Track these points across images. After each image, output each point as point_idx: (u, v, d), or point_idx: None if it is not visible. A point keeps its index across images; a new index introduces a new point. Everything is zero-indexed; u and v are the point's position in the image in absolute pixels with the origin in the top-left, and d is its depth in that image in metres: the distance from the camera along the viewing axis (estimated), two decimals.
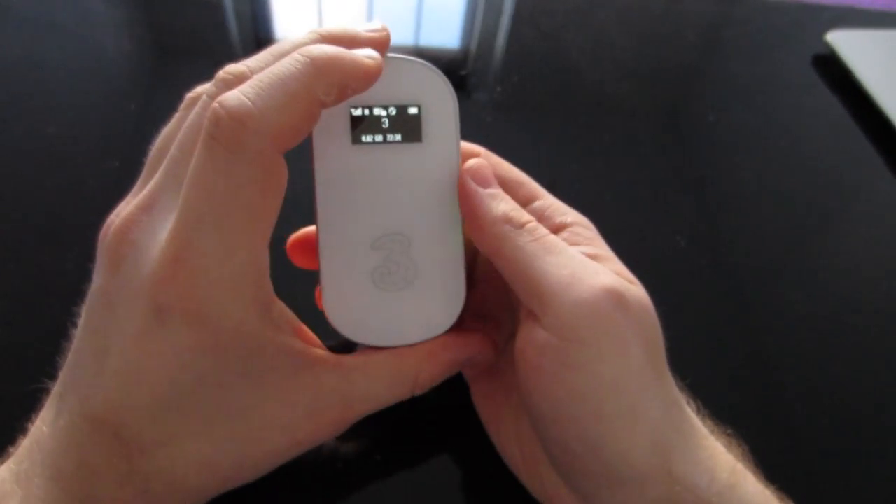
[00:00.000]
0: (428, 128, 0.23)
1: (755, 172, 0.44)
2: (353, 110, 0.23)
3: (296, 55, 0.20)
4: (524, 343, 0.22)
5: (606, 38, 0.54)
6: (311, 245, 0.25)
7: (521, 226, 0.23)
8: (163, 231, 0.19)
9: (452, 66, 0.49)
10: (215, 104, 0.18)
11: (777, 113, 0.49)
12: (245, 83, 0.19)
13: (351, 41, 0.22)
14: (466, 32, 0.54)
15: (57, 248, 0.33)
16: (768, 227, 0.40)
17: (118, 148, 0.38)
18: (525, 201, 0.25)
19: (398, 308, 0.24)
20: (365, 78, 0.21)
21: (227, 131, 0.18)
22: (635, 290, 0.22)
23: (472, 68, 0.49)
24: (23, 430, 0.21)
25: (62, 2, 0.49)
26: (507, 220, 0.23)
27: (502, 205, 0.23)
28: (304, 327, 0.24)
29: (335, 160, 0.23)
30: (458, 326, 0.25)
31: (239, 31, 0.49)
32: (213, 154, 0.18)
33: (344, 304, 0.24)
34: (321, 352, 0.23)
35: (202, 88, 0.22)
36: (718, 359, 0.33)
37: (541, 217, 0.25)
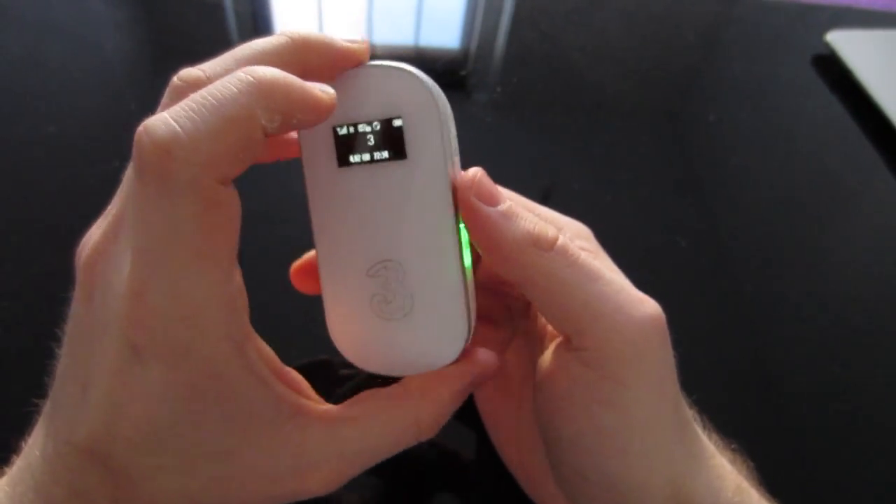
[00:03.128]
0: (412, 142, 0.21)
1: (755, 172, 0.44)
2: (337, 129, 0.21)
3: (240, 74, 0.17)
4: (555, 369, 0.21)
5: (606, 38, 0.54)
6: (313, 271, 0.23)
7: (551, 247, 0.20)
8: (125, 263, 0.18)
9: (452, 66, 0.49)
10: (140, 130, 0.17)
11: (777, 113, 0.49)
12: (178, 104, 0.17)
13: (325, 50, 0.20)
14: (466, 32, 0.54)
15: (57, 248, 0.33)
16: (768, 227, 0.40)
17: (118, 148, 0.38)
18: None
19: (400, 337, 0.22)
20: (314, 110, 0.18)
21: (154, 162, 0.16)
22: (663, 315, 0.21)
23: (472, 68, 0.49)
24: (17, 449, 0.21)
25: (62, 2, 0.49)
26: (533, 243, 0.20)
27: (522, 224, 0.20)
28: (290, 371, 0.22)
29: (324, 184, 0.21)
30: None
31: (239, 31, 0.49)
32: (145, 186, 0.17)
33: (348, 331, 0.22)
34: (307, 402, 0.21)
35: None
36: (718, 359, 0.33)
37: None
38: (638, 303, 0.20)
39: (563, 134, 0.44)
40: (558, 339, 0.22)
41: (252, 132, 0.17)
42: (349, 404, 0.22)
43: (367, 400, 0.22)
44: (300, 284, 0.26)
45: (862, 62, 0.50)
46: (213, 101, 0.17)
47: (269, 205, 0.35)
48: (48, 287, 0.31)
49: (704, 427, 0.23)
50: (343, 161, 0.21)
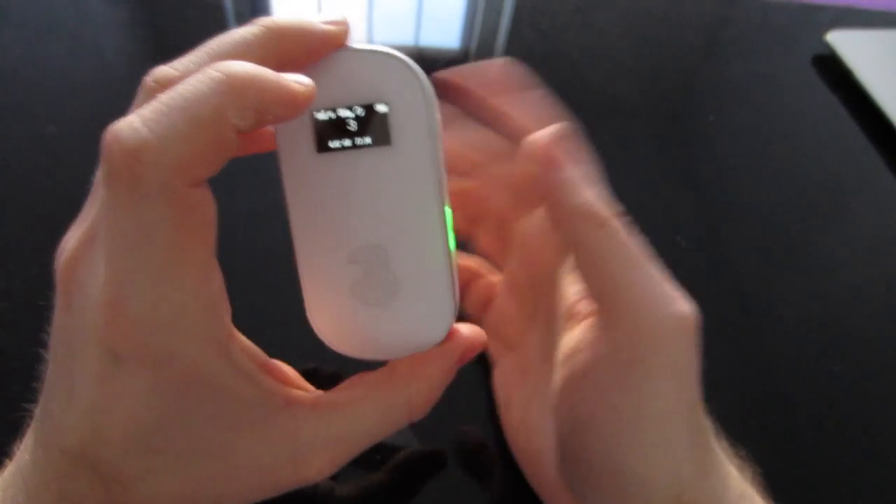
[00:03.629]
0: (397, 127, 0.20)
1: (755, 172, 0.44)
2: (316, 114, 0.20)
3: (209, 71, 0.17)
4: (582, 346, 0.21)
5: (606, 38, 0.54)
6: None
7: (604, 223, 0.21)
8: (102, 270, 0.18)
9: (452, 67, 0.49)
10: (107, 135, 0.16)
11: (777, 113, 0.49)
12: (146, 105, 0.17)
13: (303, 36, 0.19)
14: (466, 32, 0.54)
15: (57, 248, 0.33)
16: (768, 227, 0.40)
17: None
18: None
19: (385, 322, 0.22)
20: (290, 104, 0.18)
21: (123, 168, 0.16)
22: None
23: None
24: (10, 453, 0.21)
25: (62, 2, 0.49)
26: (589, 215, 0.21)
27: (585, 192, 0.21)
28: (276, 364, 0.22)
29: (302, 170, 0.21)
30: (480, 314, 0.24)
31: None
32: (115, 194, 0.16)
33: (328, 318, 0.22)
34: (297, 392, 0.21)
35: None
36: (718, 359, 0.33)
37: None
38: (678, 298, 0.20)
39: None
40: (590, 319, 0.22)
41: (223, 132, 0.17)
42: (339, 390, 0.22)
43: (357, 384, 0.22)
44: None
45: (862, 62, 0.50)
46: (182, 102, 0.16)
47: (263, 204, 0.35)
48: (48, 287, 0.31)
49: (717, 432, 0.23)
50: (322, 147, 0.21)
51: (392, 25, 0.54)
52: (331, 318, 0.22)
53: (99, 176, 0.18)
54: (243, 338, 0.21)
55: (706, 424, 0.22)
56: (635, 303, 0.20)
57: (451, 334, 0.23)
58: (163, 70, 0.18)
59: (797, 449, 0.29)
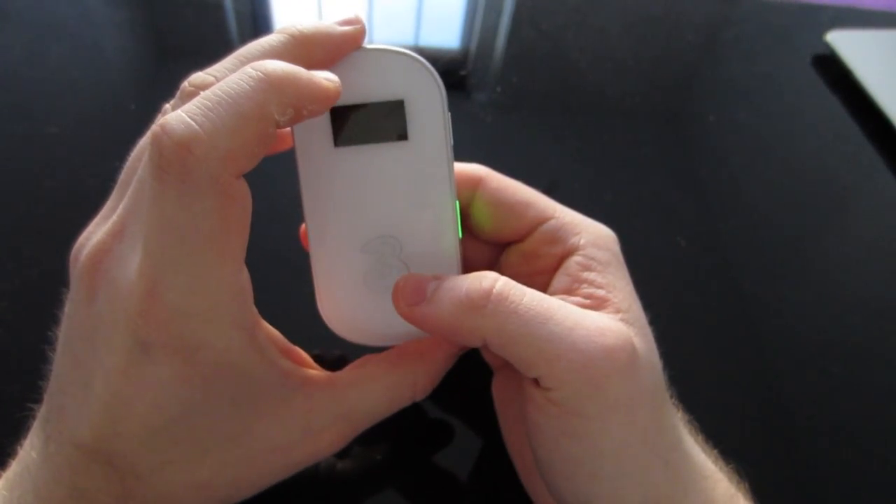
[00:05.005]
0: (414, 124, 0.22)
1: (755, 172, 0.44)
2: (333, 111, 0.21)
3: (249, 70, 0.18)
4: (526, 400, 0.21)
5: (606, 38, 0.54)
6: None
7: (487, 301, 0.20)
8: (133, 261, 0.18)
9: (452, 66, 0.49)
10: (157, 129, 0.17)
11: (777, 113, 0.49)
12: (192, 101, 0.17)
13: (325, 40, 0.20)
14: (466, 32, 0.54)
15: (57, 248, 0.33)
16: (768, 227, 0.40)
17: (118, 148, 0.38)
18: (534, 224, 0.24)
19: (392, 310, 0.22)
20: (323, 100, 0.19)
21: (174, 160, 0.17)
22: (639, 341, 0.21)
23: (472, 68, 0.49)
24: (13, 452, 0.21)
25: (62, 2, 0.49)
26: (470, 308, 0.20)
27: (452, 295, 0.20)
28: (293, 347, 0.23)
29: (319, 164, 0.22)
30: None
31: (239, 31, 0.49)
32: (164, 185, 0.17)
33: (339, 307, 0.23)
34: (312, 372, 0.22)
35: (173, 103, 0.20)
36: (718, 358, 0.33)
37: (553, 240, 0.24)
38: (596, 336, 0.20)
39: (563, 134, 0.44)
40: None
41: (266, 126, 0.18)
42: (350, 369, 0.23)
43: (366, 364, 0.23)
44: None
45: (862, 62, 0.50)
46: (228, 99, 0.17)
47: (271, 200, 0.35)
48: (48, 287, 0.31)
49: (703, 445, 0.23)
50: (340, 141, 0.22)
51: (392, 25, 0.54)
52: (342, 306, 0.23)
53: (142, 171, 0.19)
54: (266, 323, 0.22)
55: (677, 437, 0.22)
56: (553, 362, 0.19)
57: None
58: (199, 76, 0.19)
59: (797, 449, 0.29)
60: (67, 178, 0.37)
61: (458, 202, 0.23)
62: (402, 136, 0.22)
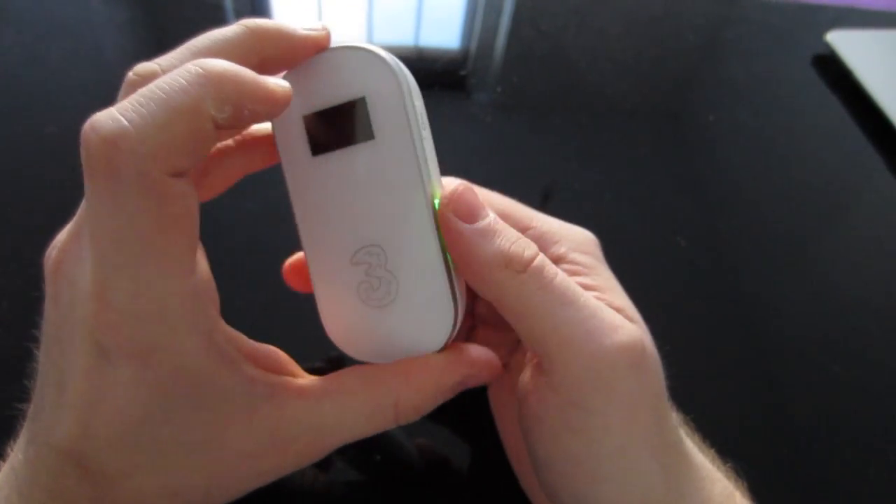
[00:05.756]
0: (378, 122, 0.20)
1: (755, 172, 0.44)
2: (305, 119, 0.21)
3: (189, 66, 0.17)
4: (529, 391, 0.21)
5: (606, 38, 0.54)
6: (304, 268, 0.23)
7: (524, 268, 0.20)
8: (88, 264, 0.18)
9: (452, 66, 0.49)
10: (86, 126, 0.16)
11: (777, 113, 0.49)
12: (126, 98, 0.17)
13: (282, 38, 0.20)
14: (466, 32, 0.54)
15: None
16: (768, 227, 0.40)
17: None
18: None
19: (387, 324, 0.22)
20: (268, 102, 0.18)
21: (100, 157, 0.16)
22: (647, 342, 0.20)
23: (472, 68, 0.49)
24: (4, 454, 0.21)
25: (62, 2, 0.49)
26: (507, 263, 0.20)
27: (497, 242, 0.20)
28: (265, 349, 0.22)
29: (301, 174, 0.21)
30: (464, 340, 0.23)
31: None
32: (95, 184, 0.16)
33: (338, 321, 0.22)
34: (284, 378, 0.21)
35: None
36: (718, 359, 0.33)
37: None
38: (609, 330, 0.20)
39: (563, 134, 0.44)
40: (534, 360, 0.21)
41: (200, 123, 0.17)
42: (329, 378, 0.21)
43: (348, 375, 0.21)
44: (294, 282, 0.26)
45: (862, 62, 0.50)
46: (161, 94, 0.17)
47: (267, 205, 0.35)
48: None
49: (701, 445, 0.23)
50: (316, 149, 0.21)
51: (392, 25, 0.54)
52: (340, 321, 0.22)
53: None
54: (228, 327, 0.21)
55: (676, 439, 0.21)
56: (564, 345, 0.19)
57: (459, 350, 0.23)
58: (145, 65, 0.18)
59: (797, 449, 0.29)
60: (67, 178, 0.37)
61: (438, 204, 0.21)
62: (369, 135, 0.20)
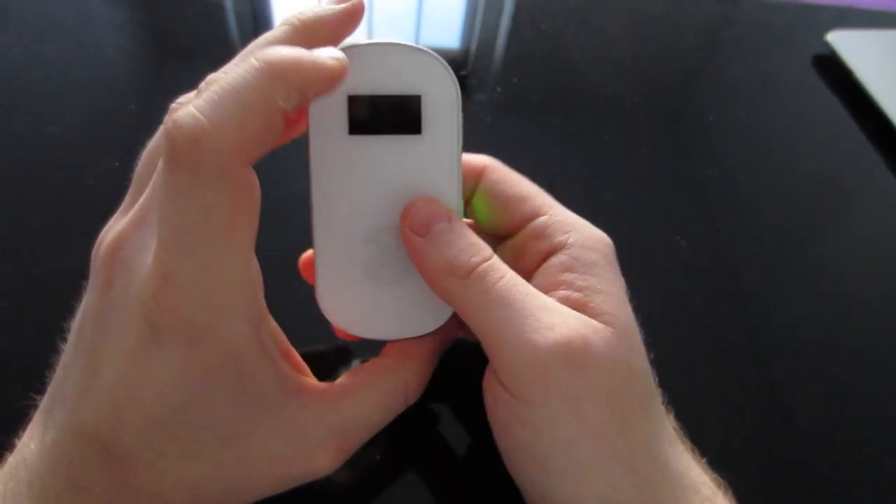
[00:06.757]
0: (428, 119, 0.22)
1: (755, 172, 0.44)
2: (350, 98, 0.22)
3: (251, 61, 0.18)
4: (486, 387, 0.22)
5: (606, 38, 0.54)
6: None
7: (468, 275, 0.21)
8: (152, 249, 0.19)
9: (452, 66, 0.49)
10: (169, 124, 0.18)
11: (777, 113, 0.49)
12: (200, 96, 0.18)
13: (326, 22, 0.21)
14: (466, 32, 0.54)
15: (57, 248, 0.33)
16: (768, 227, 0.40)
17: (118, 148, 0.38)
18: (526, 219, 0.24)
19: (392, 302, 0.23)
20: (328, 80, 0.20)
21: (185, 152, 0.17)
22: (597, 341, 0.21)
23: (472, 68, 0.49)
24: (10, 447, 0.21)
25: (62, 2, 0.49)
26: (452, 271, 0.21)
27: (443, 251, 0.21)
28: (293, 351, 0.23)
29: (331, 151, 0.22)
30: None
31: (239, 31, 0.49)
32: (176, 176, 0.18)
33: (338, 296, 0.23)
34: (308, 380, 0.22)
35: (186, 97, 0.21)
36: (718, 359, 0.33)
37: (541, 236, 0.24)
38: (544, 329, 0.20)
39: (563, 133, 0.44)
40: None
41: (271, 114, 0.18)
42: (342, 379, 0.23)
43: (357, 373, 0.23)
44: (309, 276, 0.26)
45: (862, 62, 0.50)
46: (233, 91, 0.18)
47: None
48: (48, 287, 0.31)
49: (691, 454, 0.23)
50: (355, 129, 0.22)
51: (392, 25, 0.54)
52: (341, 296, 0.23)
53: (160, 163, 0.20)
54: (273, 321, 0.22)
55: (650, 448, 0.21)
56: (502, 343, 0.20)
57: None
58: (214, 75, 0.20)
59: (797, 449, 0.29)
60: (67, 178, 0.37)
61: (462, 199, 0.23)
62: (416, 130, 0.22)
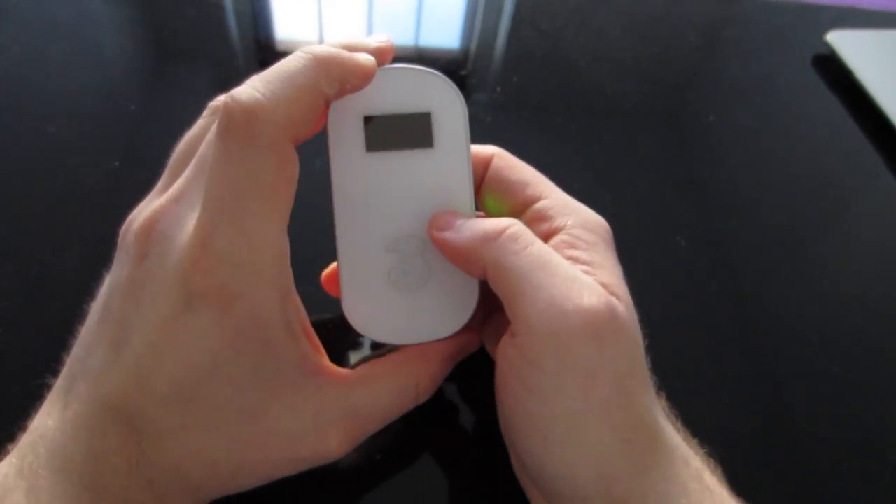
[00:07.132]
0: (439, 133, 0.24)
1: (755, 172, 0.44)
2: (366, 118, 0.24)
3: (299, 53, 0.21)
4: (499, 352, 0.22)
5: (606, 38, 0.54)
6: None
7: (500, 235, 0.22)
8: (191, 218, 0.20)
9: (452, 66, 0.49)
10: (227, 99, 0.19)
11: (777, 113, 0.49)
12: (254, 78, 0.20)
13: (359, 49, 0.23)
14: (466, 32, 0.54)
15: (57, 248, 0.33)
16: (768, 227, 0.40)
17: (118, 148, 0.38)
18: (528, 203, 0.25)
19: (413, 307, 0.25)
20: (363, 75, 0.22)
21: (240, 123, 0.19)
22: (619, 313, 0.21)
23: (472, 68, 0.49)
24: (22, 428, 0.21)
25: (62, 2, 0.49)
26: (483, 237, 0.22)
27: (472, 226, 0.23)
28: (313, 333, 0.24)
29: (351, 167, 0.24)
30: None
31: (239, 31, 0.49)
32: (228, 145, 0.19)
33: (361, 303, 0.24)
34: (326, 362, 0.23)
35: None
36: (717, 359, 0.33)
37: (542, 218, 0.24)
38: (577, 295, 0.20)
39: (563, 134, 0.44)
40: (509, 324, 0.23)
41: (317, 97, 0.21)
42: (359, 370, 0.24)
43: (373, 364, 0.24)
44: (332, 289, 0.27)
45: (862, 62, 0.50)
46: (286, 74, 0.20)
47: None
48: (48, 287, 0.31)
49: (685, 434, 0.23)
50: (371, 146, 0.24)
51: (392, 25, 0.54)
52: (365, 303, 0.25)
53: (210, 136, 0.21)
54: (297, 297, 0.23)
55: (649, 420, 0.21)
56: (530, 304, 0.21)
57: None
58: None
59: (796, 449, 0.29)
60: (67, 178, 0.37)
61: (475, 203, 0.25)
62: (429, 144, 0.24)
